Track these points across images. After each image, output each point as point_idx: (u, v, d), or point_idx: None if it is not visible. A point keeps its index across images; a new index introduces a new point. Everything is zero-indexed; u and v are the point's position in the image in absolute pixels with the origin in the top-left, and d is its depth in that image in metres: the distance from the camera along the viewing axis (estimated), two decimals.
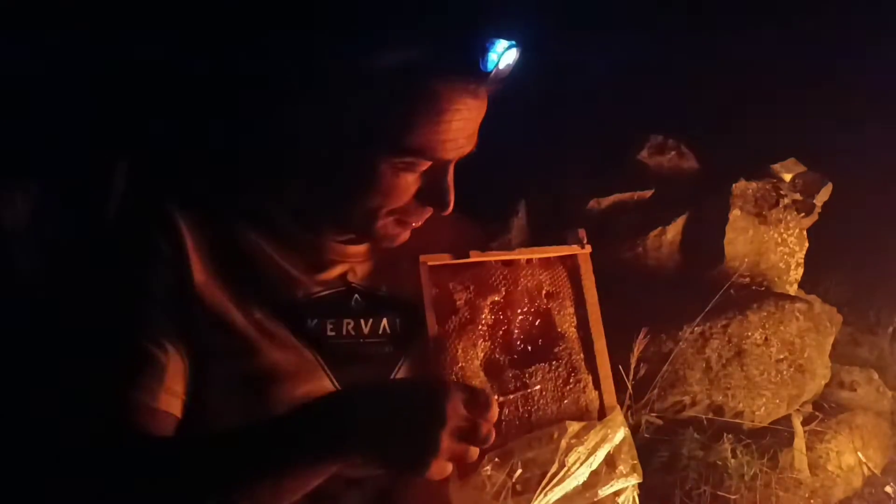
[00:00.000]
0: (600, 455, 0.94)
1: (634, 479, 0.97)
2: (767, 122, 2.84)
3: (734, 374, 2.15)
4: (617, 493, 0.95)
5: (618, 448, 0.97)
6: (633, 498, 0.98)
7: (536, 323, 1.05)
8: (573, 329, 1.06)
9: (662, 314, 2.14)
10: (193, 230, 1.02)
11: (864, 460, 2.27)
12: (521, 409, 0.98)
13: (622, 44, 2.83)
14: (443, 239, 1.12)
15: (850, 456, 2.26)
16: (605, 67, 2.77)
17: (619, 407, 1.02)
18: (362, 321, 1.07)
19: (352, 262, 1.10)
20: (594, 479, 0.93)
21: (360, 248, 1.10)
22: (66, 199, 1.70)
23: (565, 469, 0.91)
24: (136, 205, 1.06)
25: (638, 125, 2.63)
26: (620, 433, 0.97)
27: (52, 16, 1.71)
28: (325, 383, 1.03)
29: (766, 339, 2.18)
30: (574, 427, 0.94)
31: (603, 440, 0.95)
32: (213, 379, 1.00)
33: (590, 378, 1.03)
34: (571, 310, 1.07)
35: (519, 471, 0.90)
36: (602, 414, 1.00)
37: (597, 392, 1.03)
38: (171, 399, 0.97)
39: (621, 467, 0.96)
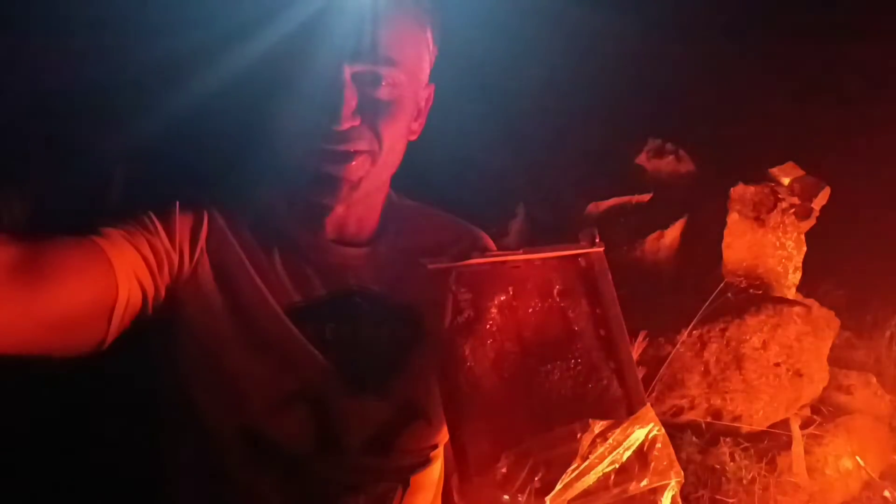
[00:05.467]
0: (627, 452, 0.92)
1: (673, 477, 0.94)
2: (765, 127, 2.84)
3: (732, 377, 2.16)
4: (654, 491, 0.93)
5: (650, 445, 0.94)
6: (675, 497, 0.95)
7: (550, 322, 1.03)
8: (591, 327, 1.04)
9: (660, 318, 2.14)
10: (204, 227, 1.03)
11: (862, 464, 2.27)
12: (538, 408, 0.96)
13: (620, 48, 2.84)
14: (445, 242, 1.12)
15: (847, 460, 2.26)
16: (603, 71, 2.78)
17: (648, 404, 0.98)
18: (364, 325, 1.07)
19: (353, 266, 1.10)
20: (623, 477, 0.91)
21: (362, 251, 1.10)
22: (65, 203, 1.69)
23: (586, 465, 0.89)
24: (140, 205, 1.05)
25: (636, 129, 2.64)
26: (651, 430, 0.94)
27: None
28: (328, 384, 1.03)
29: (764, 342, 2.18)
30: (598, 425, 0.92)
31: (630, 437, 0.93)
32: (203, 374, 1.00)
33: (613, 376, 1.01)
34: (588, 308, 1.04)
35: (542, 471, 0.88)
36: (630, 411, 0.98)
37: (622, 390, 1.00)
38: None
39: (655, 464, 0.93)
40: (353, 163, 1.00)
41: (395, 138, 1.03)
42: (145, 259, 0.96)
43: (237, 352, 1.01)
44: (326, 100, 0.96)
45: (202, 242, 1.02)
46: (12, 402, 1.28)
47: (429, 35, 1.05)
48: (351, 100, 0.96)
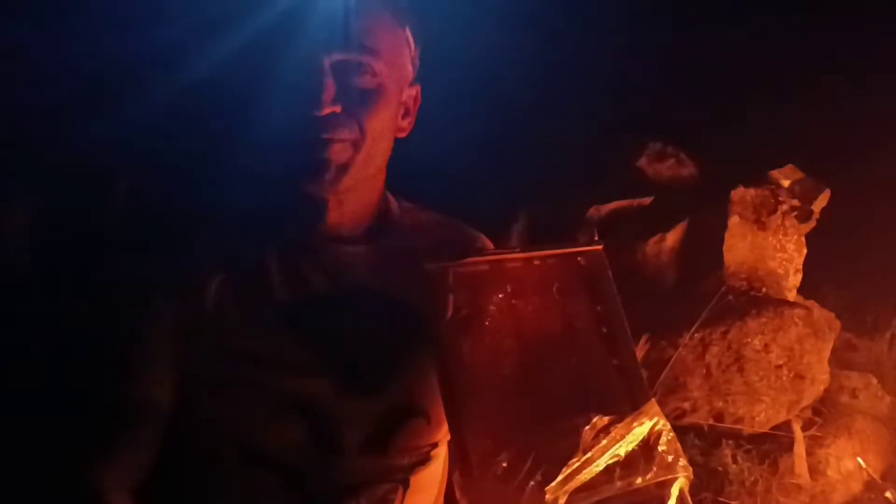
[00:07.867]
0: (631, 445, 0.92)
1: (680, 472, 0.93)
2: (766, 129, 2.85)
3: (734, 379, 2.16)
4: (661, 486, 0.92)
5: (655, 439, 0.94)
6: (683, 490, 0.93)
7: (550, 319, 1.03)
8: (592, 324, 1.03)
9: (662, 321, 2.15)
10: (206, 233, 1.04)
11: (863, 465, 2.27)
12: (540, 404, 0.95)
13: (620, 50, 2.85)
14: (443, 241, 1.13)
15: (849, 461, 2.27)
16: (603, 74, 2.78)
17: (652, 399, 0.98)
18: (361, 324, 1.07)
19: (351, 264, 1.10)
20: (629, 470, 0.91)
21: (359, 250, 1.11)
22: (66, 209, 1.70)
23: (587, 458, 0.89)
24: (139, 217, 1.07)
25: (637, 132, 2.64)
26: (656, 424, 0.94)
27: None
28: (324, 385, 1.03)
29: (765, 345, 2.19)
30: (600, 420, 0.92)
31: (634, 431, 0.93)
32: (212, 379, 1.01)
33: (616, 372, 1.01)
34: (588, 306, 1.04)
35: (544, 465, 0.88)
36: (634, 407, 0.97)
37: (625, 385, 1.00)
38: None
39: (660, 458, 0.93)
40: (336, 147, 1.02)
41: (379, 129, 1.04)
42: None
43: (227, 364, 1.02)
44: (305, 89, 0.99)
45: None
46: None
47: (408, 33, 1.08)
48: (330, 87, 0.99)
